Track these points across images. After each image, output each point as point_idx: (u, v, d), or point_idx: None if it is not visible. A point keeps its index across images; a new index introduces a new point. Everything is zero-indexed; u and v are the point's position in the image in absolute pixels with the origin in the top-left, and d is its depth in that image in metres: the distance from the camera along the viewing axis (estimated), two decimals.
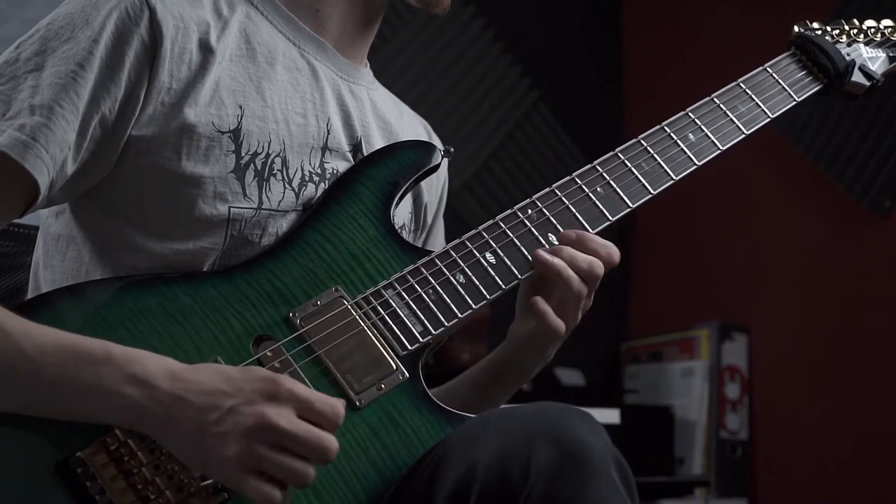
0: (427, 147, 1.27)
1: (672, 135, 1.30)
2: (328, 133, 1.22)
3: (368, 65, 1.34)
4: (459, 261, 1.17)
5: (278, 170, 1.16)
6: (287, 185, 1.17)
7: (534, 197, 1.23)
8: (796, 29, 1.44)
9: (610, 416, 2.71)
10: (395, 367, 1.11)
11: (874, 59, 1.46)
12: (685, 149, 1.30)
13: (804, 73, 1.41)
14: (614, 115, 3.46)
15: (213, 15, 1.17)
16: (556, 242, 1.20)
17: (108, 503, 0.97)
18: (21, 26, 1.17)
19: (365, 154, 1.25)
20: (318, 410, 0.97)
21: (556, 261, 1.17)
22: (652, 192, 1.27)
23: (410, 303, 1.14)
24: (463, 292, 1.16)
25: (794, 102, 1.39)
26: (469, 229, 1.20)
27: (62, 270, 1.16)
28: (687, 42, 3.35)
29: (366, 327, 1.11)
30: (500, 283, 1.17)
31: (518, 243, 1.20)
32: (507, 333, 1.28)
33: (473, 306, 1.16)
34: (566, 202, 1.23)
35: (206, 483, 0.99)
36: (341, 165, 1.23)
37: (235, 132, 1.14)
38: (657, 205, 1.29)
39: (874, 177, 2.88)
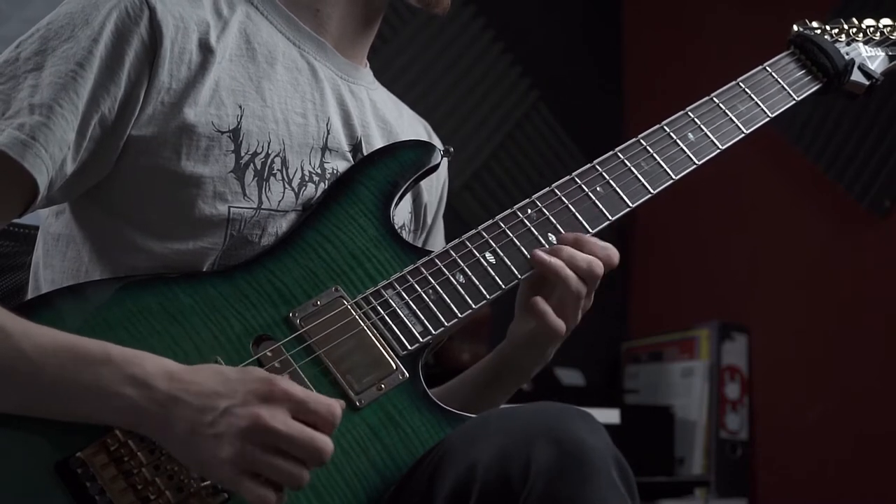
0: (427, 147, 1.27)
1: (671, 134, 1.30)
2: (328, 133, 1.22)
3: (368, 65, 1.34)
4: (459, 261, 1.17)
5: (278, 170, 1.16)
6: (287, 185, 1.17)
7: (533, 197, 1.23)
8: (795, 28, 1.44)
9: (610, 416, 2.71)
10: (394, 367, 1.11)
11: (873, 59, 1.46)
12: (685, 148, 1.30)
13: (803, 72, 1.41)
14: (614, 115, 3.45)
15: (213, 15, 1.17)
16: (555, 242, 1.20)
17: (108, 503, 0.97)
18: (21, 26, 1.17)
19: (365, 154, 1.25)
20: (314, 411, 0.97)
21: (555, 260, 1.17)
22: (651, 191, 1.27)
23: (410, 303, 1.14)
24: (463, 292, 1.16)
25: (794, 102, 1.39)
26: (469, 229, 1.20)
27: (62, 270, 1.16)
28: (687, 42, 3.35)
29: (366, 327, 1.11)
30: (500, 282, 1.17)
31: (518, 243, 1.20)
32: (507, 333, 1.28)
33: (473, 306, 1.16)
34: (566, 202, 1.23)
35: (205, 483, 0.99)
36: (341, 165, 1.23)
37: (235, 132, 1.14)
38: (657, 204, 1.29)
39: (874, 177, 2.88)
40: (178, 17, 1.12)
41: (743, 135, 1.34)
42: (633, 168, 1.27)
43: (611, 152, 1.27)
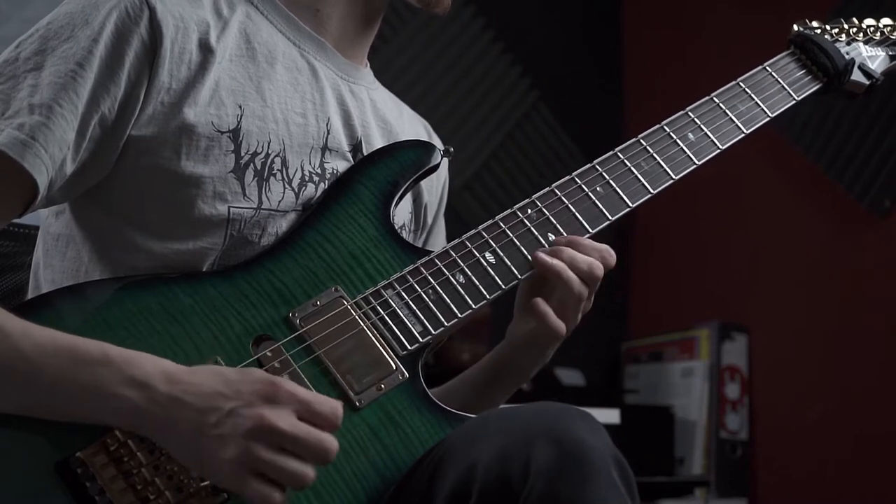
0: (427, 147, 1.27)
1: (671, 134, 1.30)
2: (328, 133, 1.22)
3: (369, 65, 1.34)
4: (459, 261, 1.17)
5: (278, 170, 1.16)
6: (287, 185, 1.17)
7: (533, 197, 1.23)
8: (796, 28, 1.44)
9: (610, 416, 2.71)
10: (394, 367, 1.11)
11: (874, 58, 1.46)
12: (685, 148, 1.30)
13: (804, 72, 1.41)
14: (614, 115, 3.45)
15: (213, 15, 1.17)
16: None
17: (107, 503, 0.97)
18: (21, 26, 1.17)
19: (365, 154, 1.25)
20: (318, 412, 0.97)
21: (557, 262, 1.17)
22: (651, 191, 1.27)
23: (410, 303, 1.14)
24: (462, 292, 1.16)
25: (794, 101, 1.39)
26: (469, 229, 1.20)
27: (62, 270, 1.16)
28: (687, 42, 3.35)
29: (365, 327, 1.11)
30: (500, 282, 1.17)
31: (518, 243, 1.20)
32: (506, 334, 1.28)
33: (473, 306, 1.16)
34: (566, 202, 1.23)
35: (205, 483, 0.99)
36: (341, 165, 1.23)
37: (235, 132, 1.14)
38: (657, 204, 1.29)
39: (874, 177, 2.88)
40: (178, 17, 1.12)
41: (743, 135, 1.34)
42: (633, 168, 1.27)
43: (611, 152, 1.27)
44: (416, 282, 1.15)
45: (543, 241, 1.20)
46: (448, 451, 1.01)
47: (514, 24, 3.30)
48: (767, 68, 1.39)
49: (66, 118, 1.05)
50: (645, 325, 3.34)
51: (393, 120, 1.33)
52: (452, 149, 1.30)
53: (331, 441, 0.97)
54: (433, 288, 1.15)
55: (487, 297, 1.16)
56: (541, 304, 1.17)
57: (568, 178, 1.25)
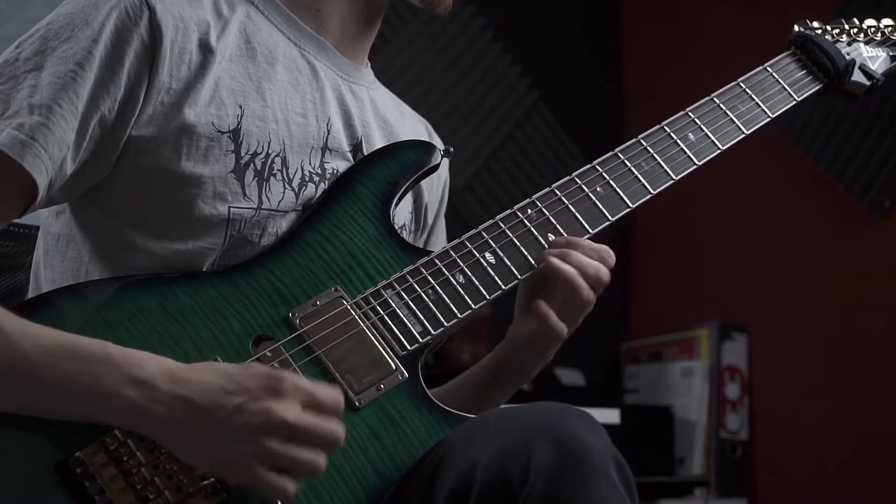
0: (427, 147, 1.27)
1: (672, 134, 1.30)
2: (328, 133, 1.22)
3: (369, 65, 1.34)
4: (459, 261, 1.17)
5: (278, 170, 1.16)
6: (287, 185, 1.17)
7: (533, 197, 1.23)
8: (796, 28, 1.44)
9: (610, 416, 2.71)
10: (394, 367, 1.11)
11: (874, 59, 1.46)
12: (685, 148, 1.30)
13: (804, 72, 1.41)
14: (614, 115, 3.45)
15: (214, 15, 1.17)
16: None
17: (107, 503, 0.97)
18: (21, 26, 1.17)
19: (365, 154, 1.25)
20: (321, 401, 0.98)
21: (568, 268, 1.17)
22: (652, 191, 1.27)
23: (410, 303, 1.14)
24: (462, 292, 1.16)
25: (794, 102, 1.39)
26: (469, 229, 1.20)
27: (62, 270, 1.16)
28: (687, 42, 3.35)
29: (365, 327, 1.11)
30: (500, 283, 1.17)
31: (518, 243, 1.20)
32: (507, 334, 1.28)
33: (473, 306, 1.15)
34: (566, 202, 1.23)
35: (205, 483, 0.99)
36: (341, 165, 1.23)
37: (235, 132, 1.14)
38: (657, 205, 1.29)
39: (874, 177, 2.88)
40: (177, 17, 1.12)
41: (743, 135, 1.34)
42: (633, 168, 1.27)
43: (611, 153, 1.27)
44: (415, 282, 1.15)
45: (543, 242, 1.20)
46: (448, 451, 1.01)
47: (514, 24, 3.30)
48: (768, 69, 1.39)
49: (65, 118, 1.05)
50: (645, 325, 3.34)
51: (393, 120, 1.33)
52: (453, 149, 1.30)
53: (338, 427, 0.98)
54: (433, 288, 1.15)
55: (487, 297, 1.16)
56: (543, 305, 1.17)
57: (568, 178, 1.25)
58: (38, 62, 1.08)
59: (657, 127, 1.31)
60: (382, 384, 1.10)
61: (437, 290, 1.15)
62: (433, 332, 1.13)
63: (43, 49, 1.08)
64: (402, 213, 1.30)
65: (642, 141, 1.29)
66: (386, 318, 1.12)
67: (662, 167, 1.28)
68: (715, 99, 1.34)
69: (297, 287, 1.12)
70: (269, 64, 1.19)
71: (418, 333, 1.13)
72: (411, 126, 1.38)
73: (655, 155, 1.28)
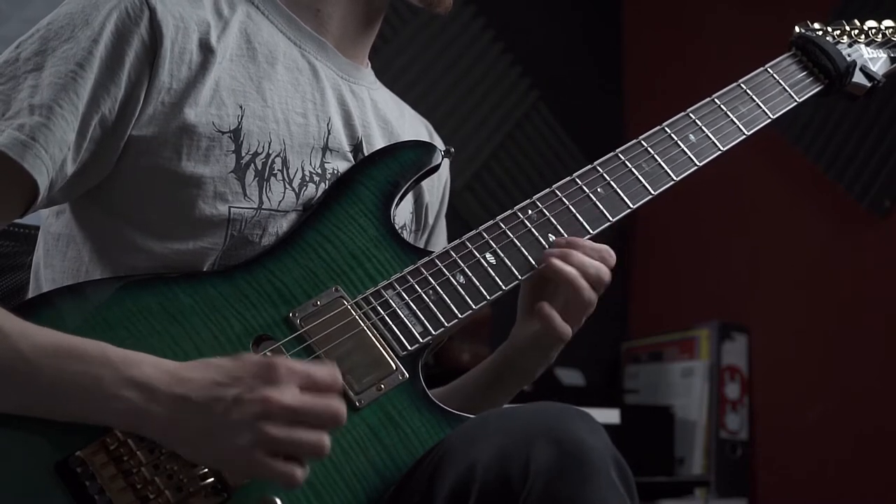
0: (427, 147, 1.27)
1: (672, 135, 1.30)
2: (329, 133, 1.22)
3: (370, 65, 1.34)
4: (459, 261, 1.17)
5: (279, 170, 1.16)
6: (287, 185, 1.17)
7: (534, 197, 1.23)
8: (797, 29, 1.44)
9: (610, 416, 2.71)
10: (394, 367, 1.11)
11: (875, 60, 1.46)
12: (686, 149, 1.30)
13: (805, 73, 1.41)
14: (614, 115, 3.46)
15: (214, 15, 1.17)
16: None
17: (107, 503, 0.97)
18: (21, 26, 1.17)
19: (366, 154, 1.25)
20: (318, 380, 0.97)
21: (569, 269, 1.17)
22: (652, 192, 1.27)
23: (410, 303, 1.14)
24: (463, 293, 1.16)
25: (795, 103, 1.39)
26: (469, 229, 1.20)
27: (62, 270, 1.16)
28: (687, 42, 3.35)
29: (365, 327, 1.11)
30: (500, 283, 1.17)
31: (518, 244, 1.20)
32: (510, 335, 1.28)
33: (473, 307, 1.16)
34: (566, 203, 1.23)
35: (205, 483, 0.99)
36: (342, 165, 1.23)
37: (236, 132, 1.14)
38: (657, 205, 1.29)
39: (874, 177, 2.88)
40: (178, 18, 1.12)
41: (744, 136, 1.34)
42: (633, 169, 1.27)
43: (612, 153, 1.27)
44: (416, 282, 1.15)
45: (544, 242, 1.20)
46: (448, 451, 1.01)
47: (514, 24, 3.30)
48: (769, 70, 1.39)
49: (66, 119, 1.05)
50: (645, 325, 3.34)
51: (394, 120, 1.33)
52: (453, 149, 1.30)
53: (338, 403, 0.97)
54: (433, 288, 1.15)
55: (488, 297, 1.16)
56: (546, 307, 1.17)
57: (569, 178, 1.25)
58: (38, 62, 1.08)
59: (658, 128, 1.31)
60: (383, 384, 1.10)
61: (438, 291, 1.15)
62: (434, 332, 1.13)
63: (43, 49, 1.08)
64: (402, 213, 1.31)
65: (643, 142, 1.29)
66: (386, 318, 1.12)
67: (663, 168, 1.28)
68: (716, 100, 1.34)
69: (297, 287, 1.12)
70: (270, 64, 1.19)
71: (419, 333, 1.13)
72: (412, 126, 1.38)
73: (656, 156, 1.28)
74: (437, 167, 1.27)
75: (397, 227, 1.21)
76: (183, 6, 1.14)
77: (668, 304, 3.32)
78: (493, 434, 0.99)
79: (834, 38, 1.45)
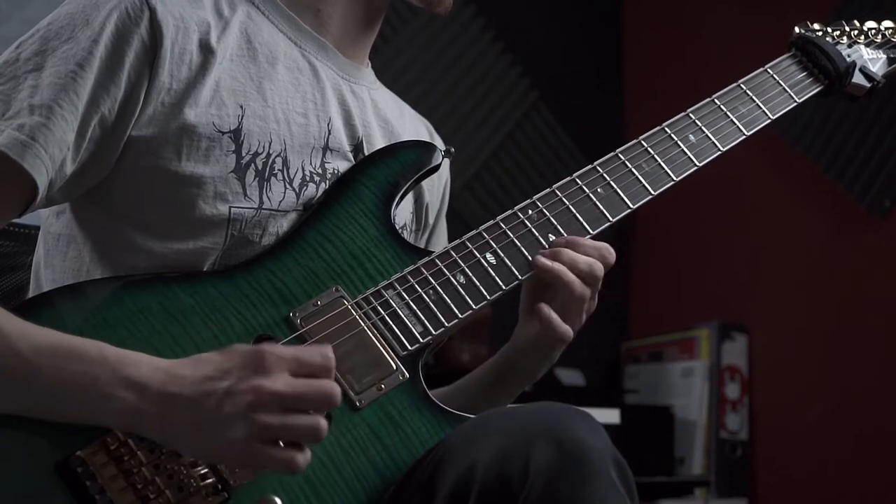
0: (427, 147, 1.27)
1: (672, 136, 1.30)
2: (329, 133, 1.22)
3: (370, 65, 1.34)
4: (460, 261, 1.17)
5: (279, 170, 1.16)
6: (288, 185, 1.17)
7: (534, 197, 1.23)
8: (797, 30, 1.44)
9: (610, 416, 2.71)
10: (395, 367, 1.11)
11: (874, 61, 1.46)
12: (685, 150, 1.30)
13: (805, 74, 1.42)
14: (614, 115, 3.46)
15: (214, 15, 1.17)
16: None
17: (108, 503, 0.97)
18: (21, 26, 1.17)
19: (366, 154, 1.25)
20: (309, 362, 0.97)
21: (557, 265, 1.17)
22: (652, 192, 1.27)
23: (411, 303, 1.14)
24: (463, 293, 1.16)
25: (795, 104, 1.39)
26: (469, 229, 1.20)
27: (63, 270, 1.16)
28: (687, 42, 3.35)
29: (366, 327, 1.11)
30: (501, 283, 1.17)
31: (518, 244, 1.20)
32: (512, 336, 1.28)
33: (474, 307, 1.16)
34: (566, 203, 1.23)
35: (206, 483, 0.99)
36: (342, 165, 1.23)
37: (236, 132, 1.14)
38: (657, 205, 1.29)
39: (874, 177, 2.88)
40: (178, 18, 1.12)
41: (744, 136, 1.34)
42: (633, 169, 1.27)
43: (612, 153, 1.28)
44: (416, 282, 1.15)
45: (544, 242, 1.20)
46: (448, 450, 1.01)
47: (514, 24, 3.30)
48: (768, 70, 1.40)
49: (66, 119, 1.05)
50: (645, 325, 3.34)
51: (394, 120, 1.33)
52: (453, 149, 1.30)
53: (331, 385, 0.97)
54: (434, 288, 1.15)
55: (488, 297, 1.17)
56: (545, 309, 1.17)
57: (569, 178, 1.25)
58: (38, 62, 1.08)
59: (658, 128, 1.31)
60: (383, 384, 1.10)
61: (438, 291, 1.15)
62: (434, 332, 1.13)
63: (43, 49, 1.08)
64: (402, 213, 1.31)
65: (643, 142, 1.29)
66: (387, 318, 1.12)
67: (663, 168, 1.28)
68: (716, 100, 1.35)
69: (297, 287, 1.12)
70: (270, 64, 1.19)
71: (419, 333, 1.13)
72: (412, 126, 1.38)
73: (656, 156, 1.29)
74: (438, 167, 1.27)
75: (397, 227, 1.21)
76: (183, 6, 1.14)
77: (668, 304, 3.32)
78: (494, 434, 0.99)
79: (833, 38, 1.45)
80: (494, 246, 1.19)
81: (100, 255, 1.13)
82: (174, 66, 1.11)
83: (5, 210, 1.07)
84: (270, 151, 1.16)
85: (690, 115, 1.32)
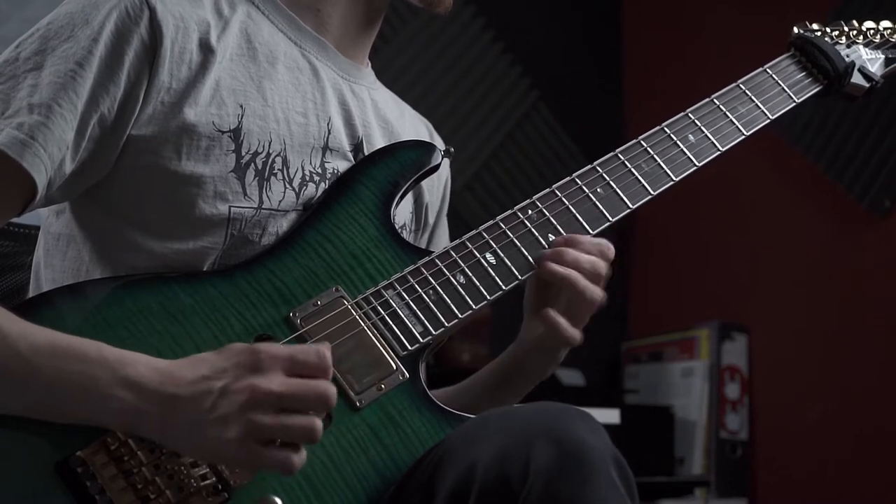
0: (427, 147, 1.27)
1: (672, 136, 1.30)
2: (329, 133, 1.22)
3: (370, 64, 1.34)
4: (460, 261, 1.17)
5: (279, 169, 1.16)
6: (287, 185, 1.17)
7: (534, 197, 1.23)
8: (796, 30, 1.44)
9: (610, 416, 2.71)
10: (395, 367, 1.11)
11: (873, 61, 1.46)
12: (685, 150, 1.30)
13: (804, 74, 1.42)
14: (614, 115, 3.46)
15: (214, 14, 1.17)
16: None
17: (108, 503, 0.97)
18: (21, 26, 1.17)
19: (366, 154, 1.25)
20: (304, 361, 0.96)
21: (567, 270, 1.17)
22: (652, 192, 1.27)
23: (411, 303, 1.14)
24: (463, 293, 1.16)
25: (794, 104, 1.39)
26: (469, 229, 1.20)
27: (63, 270, 1.16)
28: (687, 42, 3.35)
29: (366, 327, 1.11)
30: (501, 283, 1.17)
31: (518, 244, 1.20)
32: (517, 337, 1.28)
33: (474, 307, 1.16)
34: (566, 203, 1.23)
35: (206, 483, 0.99)
36: (342, 165, 1.23)
37: (236, 132, 1.14)
38: (657, 205, 1.29)
39: (874, 177, 2.88)
40: (178, 17, 1.12)
41: (743, 136, 1.34)
42: (633, 169, 1.27)
43: (611, 153, 1.28)
44: (416, 282, 1.15)
45: (544, 242, 1.20)
46: (448, 450, 1.01)
47: (514, 24, 3.30)
48: (768, 70, 1.40)
49: (65, 118, 1.05)
50: (645, 325, 3.34)
51: (394, 120, 1.33)
52: (453, 149, 1.30)
53: (326, 385, 0.96)
54: (434, 288, 1.15)
55: (488, 297, 1.17)
56: (551, 314, 1.17)
57: (568, 178, 1.25)
58: (38, 62, 1.08)
59: (657, 128, 1.31)
60: (383, 384, 1.10)
61: (438, 291, 1.15)
62: (434, 332, 1.13)
63: (43, 48, 1.08)
64: (402, 213, 1.31)
65: (642, 142, 1.29)
66: (387, 318, 1.12)
67: (662, 168, 1.28)
68: (715, 100, 1.35)
69: (297, 287, 1.12)
70: (270, 63, 1.19)
71: (419, 333, 1.13)
72: (412, 126, 1.38)
73: (655, 156, 1.29)
74: (437, 167, 1.27)
75: (397, 227, 1.21)
76: (183, 6, 1.14)
77: (668, 304, 3.32)
78: (494, 434, 0.99)
79: (832, 38, 1.45)
80: (494, 246, 1.19)
81: (99, 255, 1.13)
82: (174, 66, 1.11)
83: (4, 209, 1.07)
84: (270, 151, 1.16)
85: (690, 115, 1.32)
